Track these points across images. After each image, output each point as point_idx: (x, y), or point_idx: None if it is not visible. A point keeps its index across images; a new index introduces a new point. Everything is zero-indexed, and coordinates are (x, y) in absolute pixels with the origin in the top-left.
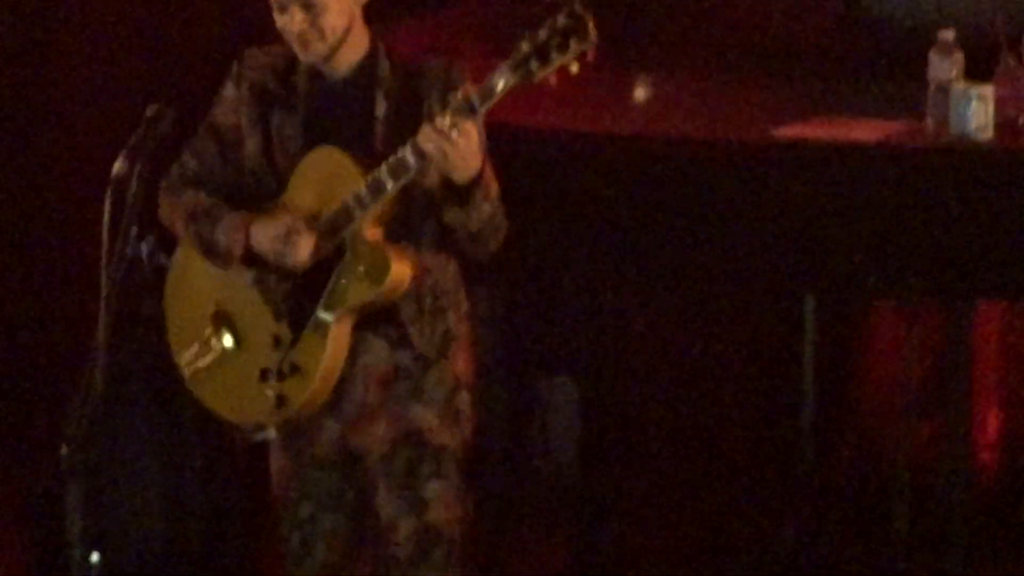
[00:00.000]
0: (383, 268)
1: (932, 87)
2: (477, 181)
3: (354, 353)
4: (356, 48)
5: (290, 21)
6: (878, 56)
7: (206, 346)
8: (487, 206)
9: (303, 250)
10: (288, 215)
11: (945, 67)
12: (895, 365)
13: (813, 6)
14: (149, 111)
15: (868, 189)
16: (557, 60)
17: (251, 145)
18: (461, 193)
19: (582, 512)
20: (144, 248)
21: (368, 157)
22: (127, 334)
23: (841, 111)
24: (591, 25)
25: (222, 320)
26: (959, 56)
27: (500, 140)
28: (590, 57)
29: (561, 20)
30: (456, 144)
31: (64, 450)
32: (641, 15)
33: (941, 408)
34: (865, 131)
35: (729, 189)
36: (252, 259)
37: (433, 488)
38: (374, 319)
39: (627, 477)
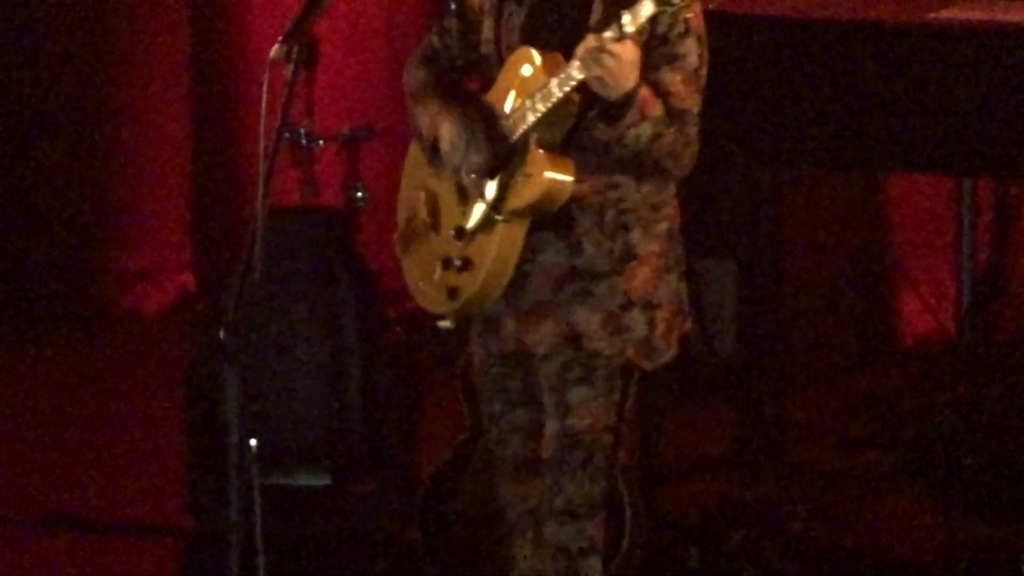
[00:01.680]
0: (538, 176)
1: None
2: (628, 101)
3: (535, 250)
4: None
5: None
6: None
7: (412, 223)
8: (646, 126)
9: (473, 160)
10: (470, 119)
11: None
12: None
13: None
14: None
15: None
16: None
17: (486, 30)
18: (610, 110)
19: (742, 392)
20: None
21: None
22: (285, 217)
23: None
24: None
25: (428, 202)
26: None
27: None
28: None
29: None
30: (602, 62)
31: (222, 333)
32: None
33: None
34: (1020, 12)
35: (884, 71)
36: (433, 150)
37: (579, 393)
38: (557, 221)
39: (785, 355)
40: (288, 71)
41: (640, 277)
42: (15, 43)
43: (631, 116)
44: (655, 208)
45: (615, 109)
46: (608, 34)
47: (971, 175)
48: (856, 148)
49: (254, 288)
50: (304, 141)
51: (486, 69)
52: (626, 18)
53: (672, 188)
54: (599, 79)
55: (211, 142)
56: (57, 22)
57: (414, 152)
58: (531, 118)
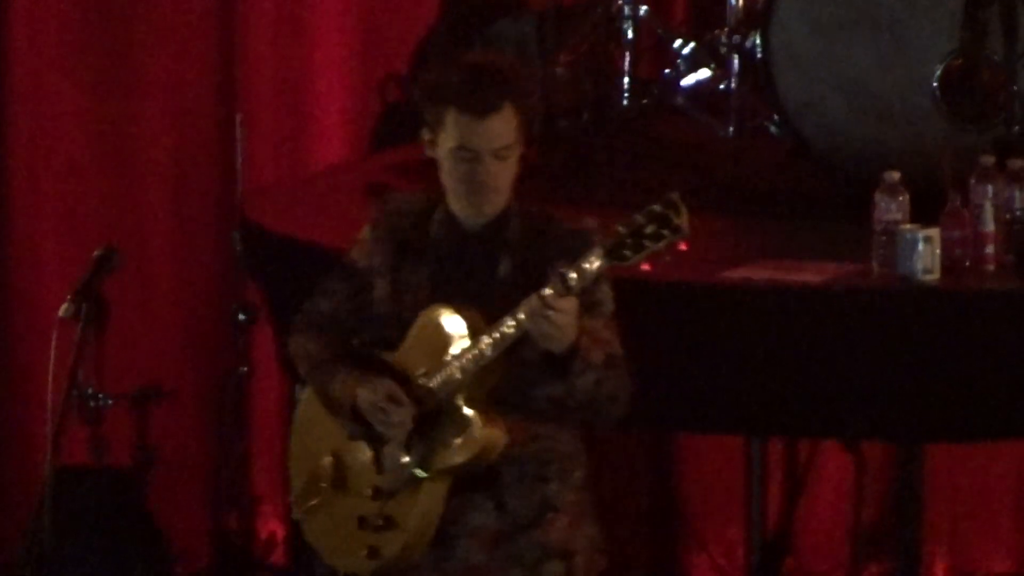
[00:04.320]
0: (476, 438)
1: (878, 228)
2: (573, 352)
3: (461, 512)
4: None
5: (479, 172)
6: (824, 197)
7: (316, 484)
8: (590, 374)
9: (397, 420)
10: (388, 382)
11: (891, 208)
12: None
13: (760, 147)
14: (97, 252)
15: (815, 331)
16: (650, 248)
17: (380, 290)
18: (557, 364)
19: None
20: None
21: (488, 316)
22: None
23: (788, 253)
24: (686, 218)
25: (334, 463)
26: (905, 197)
27: None
28: (683, 247)
29: (657, 209)
30: (549, 319)
31: None
32: (593, 156)
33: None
34: (811, 273)
35: (674, 328)
36: (356, 417)
37: None
38: (481, 479)
39: None
40: (77, 329)
41: (557, 527)
42: None
43: (578, 366)
44: (571, 457)
45: (561, 362)
46: (549, 292)
47: (761, 434)
48: (645, 407)
49: (44, 547)
50: (92, 400)
51: (379, 329)
52: (572, 275)
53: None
54: (547, 336)
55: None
56: None
57: (305, 415)
58: (459, 376)
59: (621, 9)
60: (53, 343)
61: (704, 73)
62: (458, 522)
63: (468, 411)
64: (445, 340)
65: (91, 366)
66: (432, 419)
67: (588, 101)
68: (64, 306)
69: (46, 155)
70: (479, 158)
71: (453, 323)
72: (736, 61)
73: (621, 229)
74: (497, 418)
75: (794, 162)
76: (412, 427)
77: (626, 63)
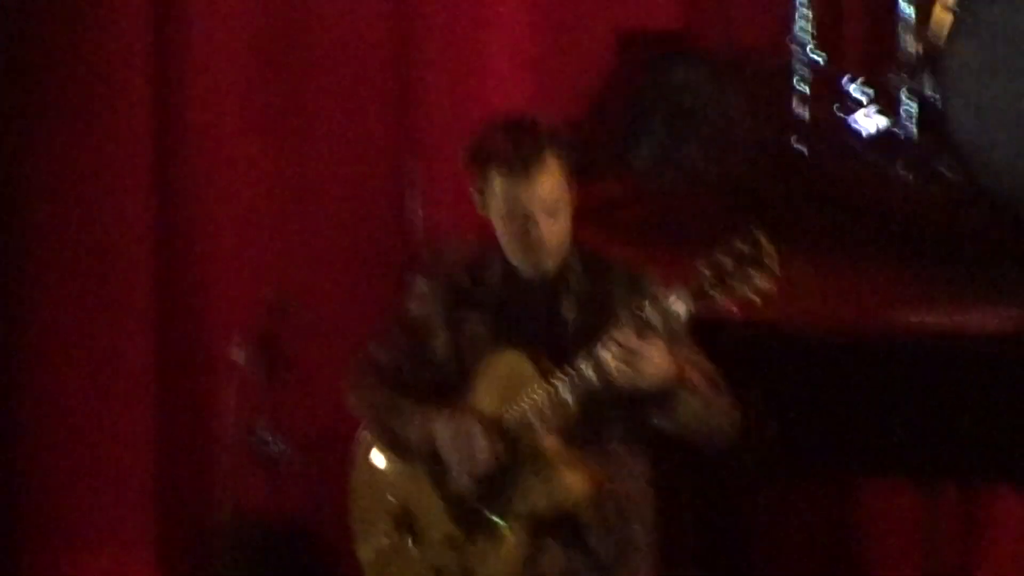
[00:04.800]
0: (557, 482)
1: None
2: (672, 387)
3: (543, 556)
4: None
5: (533, 231)
6: (998, 240)
7: (386, 536)
8: (696, 400)
9: (480, 458)
10: (470, 418)
11: None
12: None
13: (934, 189)
14: (271, 298)
15: (989, 376)
16: (737, 289)
17: (441, 340)
18: (657, 399)
19: None
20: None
21: (557, 359)
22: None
23: (959, 294)
24: (773, 255)
25: (403, 513)
26: None
27: None
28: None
29: (743, 246)
30: (637, 363)
31: None
32: (770, 200)
33: None
34: (986, 316)
35: (848, 373)
36: (433, 457)
37: None
38: (562, 522)
39: None
40: (253, 374)
41: (641, 565)
42: None
43: (683, 397)
44: (644, 495)
45: (662, 399)
46: (622, 333)
47: (939, 480)
48: (825, 456)
49: None
50: (270, 446)
51: (440, 377)
52: (653, 313)
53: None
54: (639, 378)
55: (175, 442)
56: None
57: (366, 467)
58: (533, 419)
59: (793, 53)
60: (229, 389)
61: (876, 114)
62: (540, 566)
63: (548, 454)
64: (515, 383)
65: (267, 412)
66: (507, 464)
67: (764, 145)
68: (239, 352)
69: (221, 200)
70: (531, 218)
71: (522, 366)
72: (909, 103)
73: (704, 269)
74: (577, 461)
75: (968, 204)
76: (494, 464)
77: (800, 106)
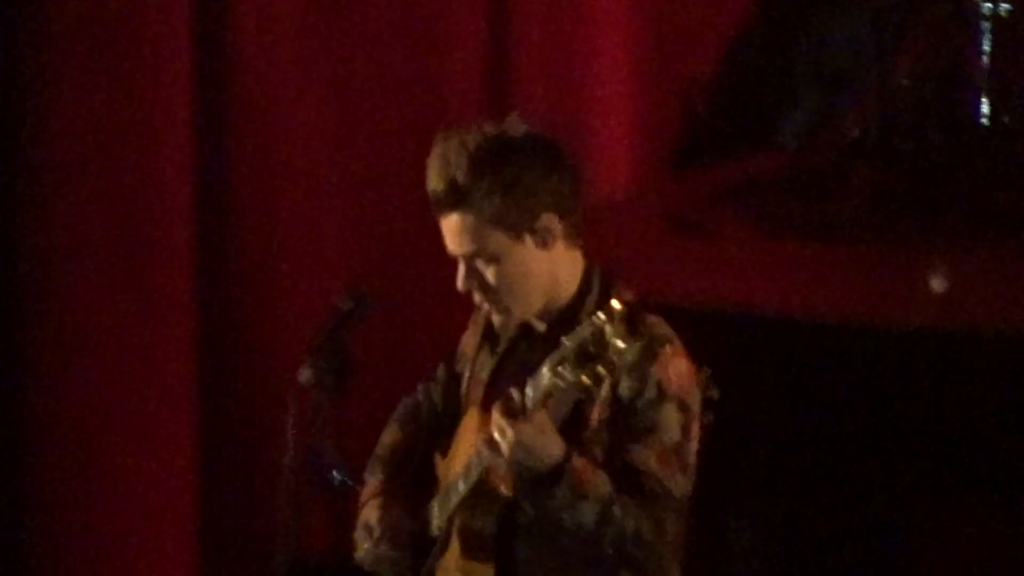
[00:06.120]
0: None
1: None
2: (554, 476)
3: None
4: (564, 292)
5: (469, 276)
6: None
7: None
8: (586, 507)
9: (383, 553)
10: (368, 509)
11: None
12: None
13: None
14: (341, 299)
15: None
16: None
17: (464, 379)
18: (535, 487)
19: None
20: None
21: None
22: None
23: None
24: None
25: None
26: None
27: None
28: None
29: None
30: (510, 440)
31: None
32: (941, 179)
33: None
34: None
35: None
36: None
37: None
38: None
39: None
40: (316, 395)
41: None
42: None
43: (562, 495)
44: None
45: (540, 486)
46: (496, 411)
47: None
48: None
49: None
50: (336, 478)
51: (450, 422)
52: (528, 390)
53: None
54: (507, 453)
55: (220, 475)
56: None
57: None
58: (453, 500)
59: (976, 4)
60: (290, 411)
61: None
62: None
63: (453, 548)
64: (467, 451)
65: (331, 438)
66: (435, 551)
67: (935, 114)
68: (303, 370)
69: (279, 178)
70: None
71: (474, 430)
72: None
73: (566, 341)
74: (485, 559)
75: None
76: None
77: (982, 68)
